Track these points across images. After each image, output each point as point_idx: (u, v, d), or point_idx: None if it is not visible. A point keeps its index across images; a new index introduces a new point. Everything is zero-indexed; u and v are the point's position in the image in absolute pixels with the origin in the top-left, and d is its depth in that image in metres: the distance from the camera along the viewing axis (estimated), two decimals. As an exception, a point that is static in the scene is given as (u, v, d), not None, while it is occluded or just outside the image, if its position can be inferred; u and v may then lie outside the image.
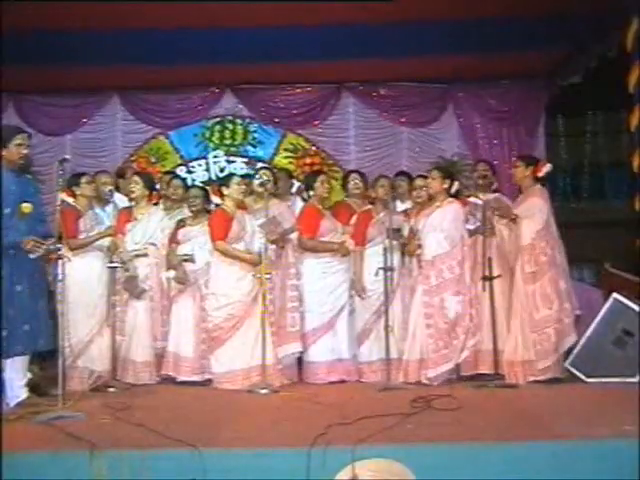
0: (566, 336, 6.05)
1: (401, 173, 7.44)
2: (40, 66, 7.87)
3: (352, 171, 7.29)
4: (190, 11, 6.74)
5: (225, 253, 6.14)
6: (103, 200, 6.64)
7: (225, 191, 6.28)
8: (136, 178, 6.66)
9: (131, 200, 6.66)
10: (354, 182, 6.77)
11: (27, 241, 5.08)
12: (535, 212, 6.11)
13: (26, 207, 5.19)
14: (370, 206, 6.65)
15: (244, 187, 6.31)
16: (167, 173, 8.12)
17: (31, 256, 5.12)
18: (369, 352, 6.36)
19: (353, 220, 6.56)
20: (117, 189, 7.16)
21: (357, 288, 6.36)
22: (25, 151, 5.31)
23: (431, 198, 6.35)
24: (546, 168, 6.31)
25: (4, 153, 5.24)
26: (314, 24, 7.17)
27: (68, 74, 8.33)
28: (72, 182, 6.24)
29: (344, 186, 6.99)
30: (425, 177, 6.47)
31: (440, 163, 8.50)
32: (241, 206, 6.38)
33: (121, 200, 6.92)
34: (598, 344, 6.13)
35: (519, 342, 6.02)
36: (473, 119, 9.41)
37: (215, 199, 6.44)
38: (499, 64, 8.47)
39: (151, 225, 6.50)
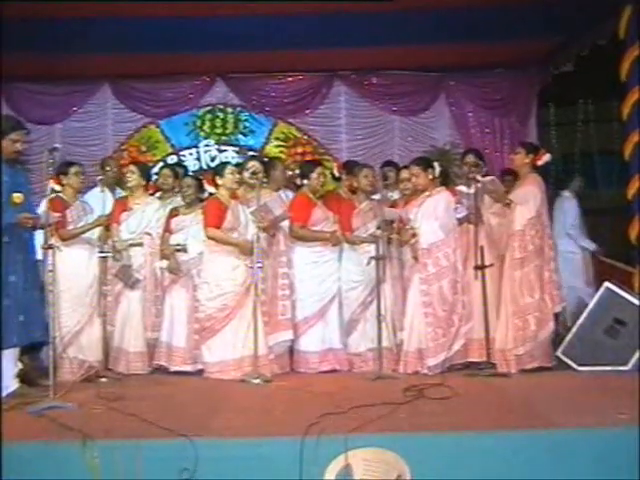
0: (544, 325, 6.07)
1: (389, 163, 7.41)
2: (30, 54, 7.80)
3: (365, 165, 6.88)
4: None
5: (216, 239, 6.11)
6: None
7: (219, 181, 6.25)
8: (132, 168, 6.64)
9: (126, 190, 6.67)
10: (367, 179, 6.54)
11: (18, 217, 5.08)
12: (529, 199, 6.13)
13: (17, 197, 5.17)
14: (352, 196, 6.62)
15: (238, 176, 6.28)
16: (165, 164, 8.05)
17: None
18: (357, 343, 6.38)
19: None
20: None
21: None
22: (20, 148, 5.28)
23: (417, 190, 6.33)
24: (546, 157, 6.34)
25: None
26: (306, 12, 7.14)
27: (58, 62, 8.28)
28: (61, 170, 6.18)
29: (351, 176, 6.80)
30: (409, 168, 6.45)
31: (432, 152, 8.50)
32: (235, 196, 6.35)
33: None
34: (590, 333, 6.16)
35: (509, 329, 6.04)
36: (465, 108, 9.40)
37: (209, 188, 6.40)
38: (491, 53, 8.45)
39: (147, 215, 6.48)
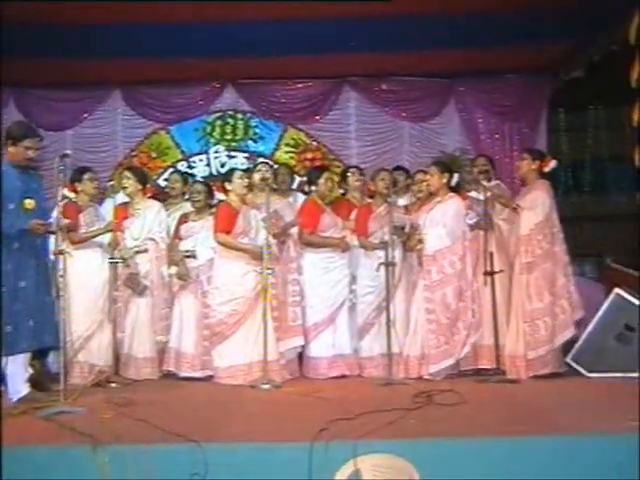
0: (561, 331, 6.04)
1: (398, 168, 7.44)
2: (41, 60, 7.85)
3: (351, 167, 7.28)
4: (191, 6, 6.73)
5: (225, 245, 6.12)
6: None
7: (228, 186, 6.27)
8: (127, 173, 6.58)
9: (126, 196, 6.66)
10: (354, 176, 6.77)
11: (30, 223, 5.08)
12: (538, 205, 6.12)
13: (29, 203, 5.17)
14: (370, 200, 6.66)
15: (246, 181, 6.30)
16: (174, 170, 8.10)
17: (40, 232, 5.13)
18: (370, 347, 6.38)
19: (353, 215, 6.58)
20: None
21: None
22: (32, 155, 5.26)
23: (432, 193, 6.36)
24: (552, 164, 6.35)
25: (11, 149, 5.23)
26: (315, 18, 7.15)
27: (69, 68, 8.31)
28: (74, 178, 6.21)
29: (343, 182, 6.95)
30: (425, 172, 6.49)
31: (441, 158, 8.49)
32: (245, 201, 6.36)
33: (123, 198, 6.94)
34: (600, 339, 6.15)
35: (519, 336, 6.03)
36: (475, 114, 9.37)
37: (219, 195, 6.42)
38: (501, 58, 8.43)
39: (148, 220, 6.46)
